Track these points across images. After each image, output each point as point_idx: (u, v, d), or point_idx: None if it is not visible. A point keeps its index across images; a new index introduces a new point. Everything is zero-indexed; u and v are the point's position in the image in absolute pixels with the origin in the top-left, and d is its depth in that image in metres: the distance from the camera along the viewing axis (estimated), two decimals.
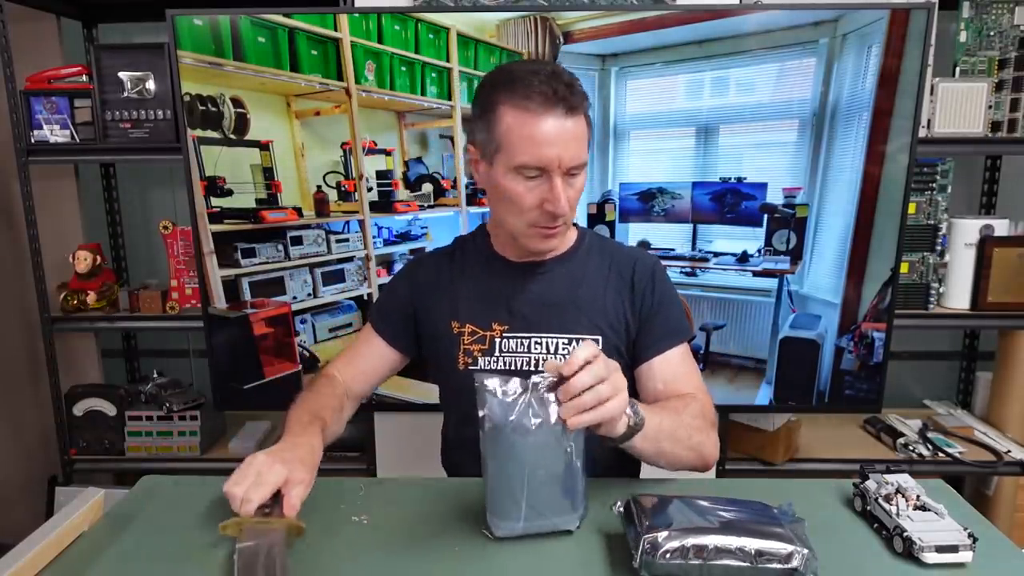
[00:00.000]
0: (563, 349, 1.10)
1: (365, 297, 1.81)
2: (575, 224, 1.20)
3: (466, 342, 1.12)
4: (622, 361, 1.10)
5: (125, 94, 1.79)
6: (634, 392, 1.13)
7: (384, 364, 1.21)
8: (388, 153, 1.73)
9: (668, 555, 0.73)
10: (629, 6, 1.70)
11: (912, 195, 1.73)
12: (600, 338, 1.10)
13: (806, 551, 0.73)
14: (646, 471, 1.13)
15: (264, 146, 1.71)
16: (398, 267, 1.80)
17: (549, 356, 1.10)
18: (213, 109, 1.66)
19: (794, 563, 0.72)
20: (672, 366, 1.11)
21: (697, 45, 1.64)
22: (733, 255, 1.76)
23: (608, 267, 1.15)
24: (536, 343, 1.10)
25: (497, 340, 1.11)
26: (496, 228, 1.17)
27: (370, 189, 1.74)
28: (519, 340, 1.10)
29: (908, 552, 0.79)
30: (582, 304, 1.12)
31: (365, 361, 1.21)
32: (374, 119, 1.70)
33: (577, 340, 1.10)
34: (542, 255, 1.13)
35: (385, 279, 1.80)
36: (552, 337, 1.10)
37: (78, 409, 1.90)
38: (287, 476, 0.85)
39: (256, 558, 0.76)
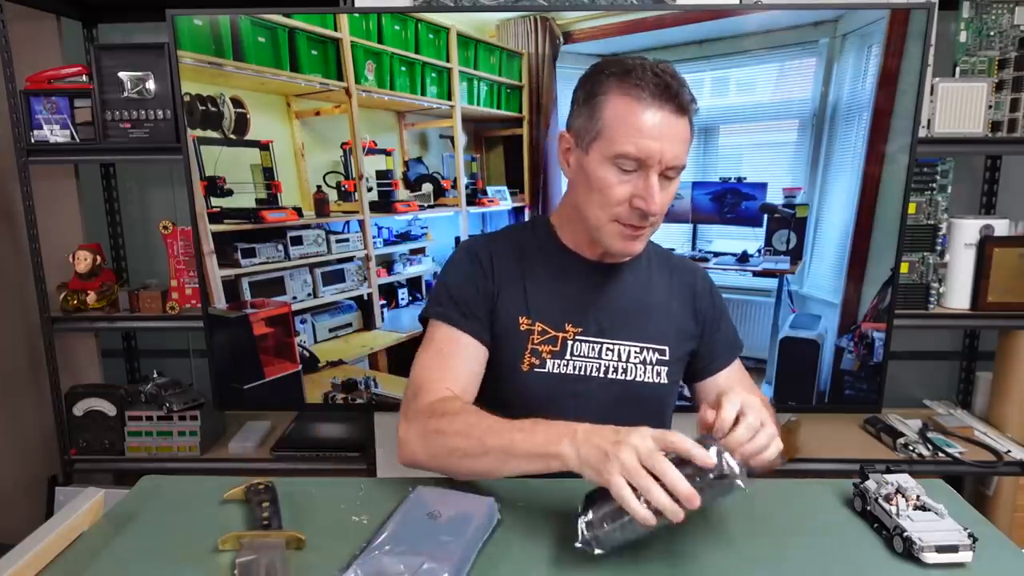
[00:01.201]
0: (635, 357, 1.07)
1: (365, 297, 1.81)
2: None
3: (535, 341, 1.06)
4: (684, 368, 1.14)
5: (125, 94, 1.79)
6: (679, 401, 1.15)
7: (482, 367, 1.06)
8: (388, 153, 1.73)
9: (599, 526, 0.77)
10: (629, 6, 1.70)
11: (912, 195, 1.73)
12: (667, 348, 1.09)
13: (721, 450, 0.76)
14: None
15: (264, 146, 1.71)
16: (398, 267, 1.80)
17: (620, 364, 1.07)
18: (213, 109, 1.66)
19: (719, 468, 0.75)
20: (736, 377, 1.15)
21: (697, 45, 1.64)
22: (733, 255, 1.76)
23: (670, 276, 1.15)
24: (608, 349, 1.07)
25: (569, 342, 1.06)
26: (571, 223, 1.09)
27: (370, 189, 1.74)
28: (591, 345, 1.07)
29: (908, 552, 0.79)
30: (651, 312, 1.10)
31: (466, 367, 1.04)
32: (374, 119, 1.70)
33: (648, 349, 1.08)
34: (618, 257, 1.08)
35: (385, 279, 1.80)
36: (624, 345, 1.08)
37: (78, 409, 1.90)
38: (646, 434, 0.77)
39: (256, 571, 0.76)
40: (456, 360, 1.04)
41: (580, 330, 1.07)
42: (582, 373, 1.06)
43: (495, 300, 1.07)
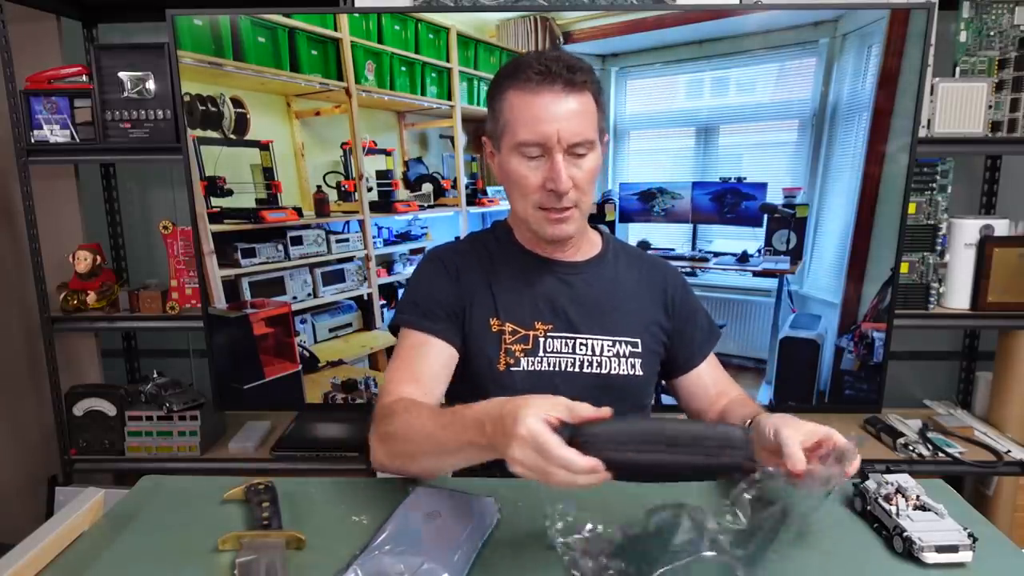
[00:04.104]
0: (608, 350, 1.09)
1: (365, 297, 1.81)
2: (597, 227, 1.20)
3: (508, 341, 1.07)
4: (658, 363, 1.16)
5: (125, 94, 1.79)
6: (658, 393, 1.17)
7: (450, 368, 1.07)
8: (388, 153, 1.73)
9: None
10: (629, 6, 1.70)
11: (912, 195, 1.73)
12: (639, 341, 1.11)
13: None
14: None
15: (264, 146, 1.71)
16: (398, 267, 1.80)
17: (594, 358, 1.08)
18: (213, 109, 1.66)
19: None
20: (715, 369, 1.19)
21: (697, 45, 1.64)
22: (733, 255, 1.76)
23: (639, 272, 1.17)
24: (581, 343, 1.09)
25: (541, 340, 1.08)
26: (516, 223, 1.15)
27: (370, 189, 1.74)
28: (564, 340, 1.09)
29: (908, 552, 0.79)
30: (622, 307, 1.12)
31: (429, 368, 1.05)
32: (374, 119, 1.70)
33: (620, 342, 1.10)
34: (562, 246, 1.10)
35: (385, 279, 1.80)
36: (597, 339, 1.09)
37: (78, 409, 1.90)
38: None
39: (256, 571, 0.76)
40: (420, 361, 1.05)
41: (550, 327, 1.09)
42: (558, 368, 1.08)
43: (466, 306, 1.09)
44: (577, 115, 0.99)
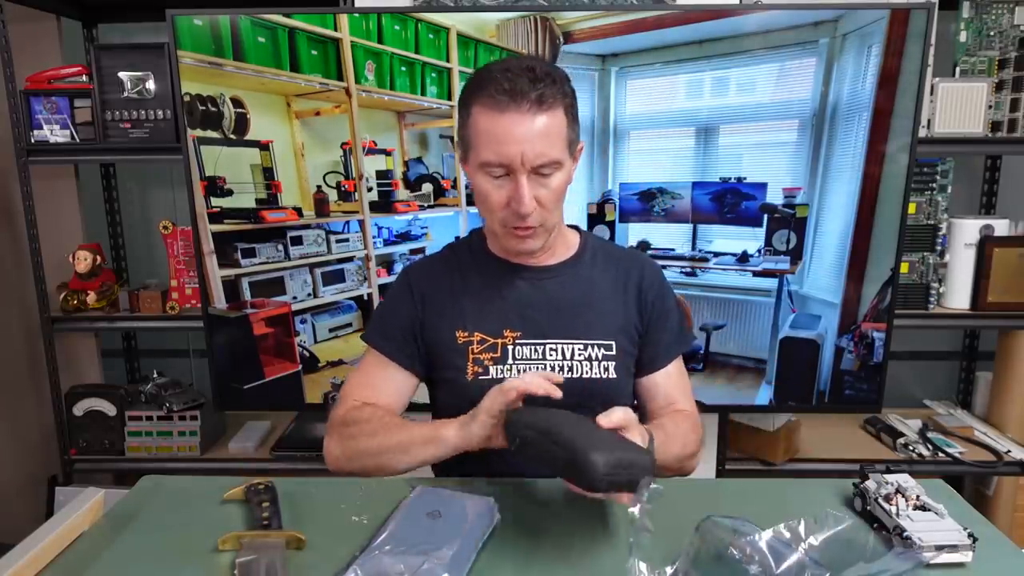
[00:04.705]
0: (579, 354, 1.08)
1: (365, 297, 1.81)
2: (576, 228, 1.19)
3: (475, 351, 1.07)
4: (634, 364, 1.14)
5: (125, 94, 1.79)
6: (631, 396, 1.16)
7: (406, 391, 1.13)
8: (388, 153, 1.73)
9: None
10: (629, 6, 1.70)
11: (912, 195, 1.73)
12: (614, 343, 1.09)
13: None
14: None
15: (264, 146, 1.71)
16: (399, 267, 1.80)
17: (565, 363, 1.07)
18: (213, 109, 1.66)
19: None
20: (672, 380, 1.15)
21: (697, 45, 1.64)
22: (733, 255, 1.76)
23: (615, 271, 1.14)
24: (551, 349, 1.08)
25: (509, 347, 1.07)
26: (488, 231, 1.15)
27: (370, 189, 1.74)
28: (533, 347, 1.08)
29: None
30: (597, 308, 1.11)
31: (386, 393, 1.11)
32: (374, 119, 1.70)
33: (593, 345, 1.08)
34: (532, 256, 1.09)
35: (386, 279, 1.80)
36: (568, 343, 1.08)
37: (78, 409, 1.90)
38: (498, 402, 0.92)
39: (256, 571, 0.76)
40: (381, 384, 1.11)
41: (519, 334, 1.08)
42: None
43: (423, 327, 1.11)
44: (543, 136, 0.96)
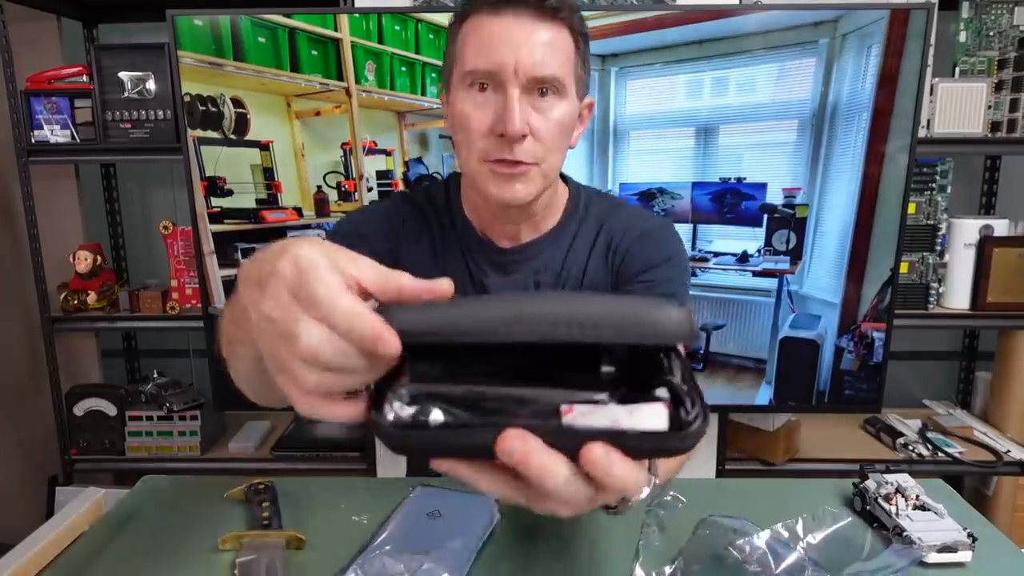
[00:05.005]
0: None
1: None
2: (567, 180, 0.99)
3: None
4: None
5: (125, 94, 1.79)
6: None
7: None
8: (388, 153, 1.73)
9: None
10: (629, 6, 1.70)
11: (912, 195, 1.73)
12: None
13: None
14: None
15: (264, 146, 1.71)
16: None
17: None
18: (213, 109, 1.67)
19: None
20: None
21: (697, 45, 1.64)
22: (733, 255, 1.76)
23: (597, 232, 0.95)
24: None
25: None
26: (466, 181, 0.93)
27: (370, 189, 1.74)
28: None
29: None
30: (571, 283, 0.94)
31: None
32: (374, 119, 1.70)
33: None
34: (513, 224, 0.91)
35: None
36: None
37: (78, 409, 1.90)
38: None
39: (256, 571, 0.76)
40: None
41: None
42: None
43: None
44: (544, 45, 0.79)
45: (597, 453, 0.40)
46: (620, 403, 0.42)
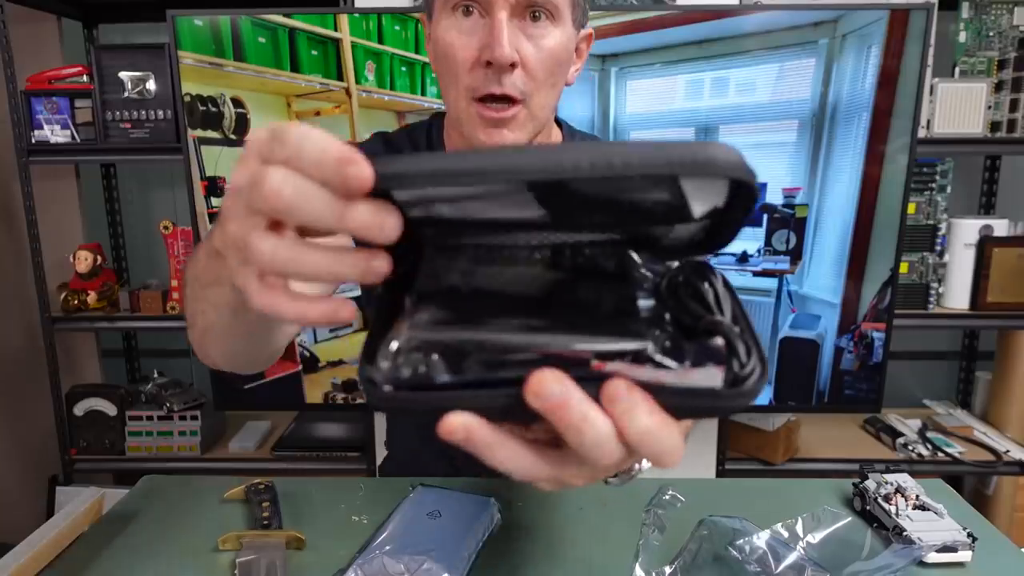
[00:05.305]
0: None
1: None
2: (562, 124, 0.93)
3: None
4: None
5: (125, 94, 1.79)
6: None
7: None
8: None
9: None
10: (629, 6, 1.70)
11: (912, 195, 1.73)
12: None
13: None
14: None
15: None
16: None
17: None
18: (213, 109, 1.67)
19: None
20: None
21: (697, 45, 1.64)
22: (733, 255, 1.76)
23: None
24: None
25: None
26: (450, 121, 0.87)
27: None
28: None
29: None
30: None
31: None
32: (374, 119, 1.70)
33: None
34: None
35: None
36: None
37: (78, 409, 1.90)
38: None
39: (256, 571, 0.76)
40: None
41: None
42: None
43: None
44: None
45: (640, 410, 0.33)
46: (664, 353, 0.35)
